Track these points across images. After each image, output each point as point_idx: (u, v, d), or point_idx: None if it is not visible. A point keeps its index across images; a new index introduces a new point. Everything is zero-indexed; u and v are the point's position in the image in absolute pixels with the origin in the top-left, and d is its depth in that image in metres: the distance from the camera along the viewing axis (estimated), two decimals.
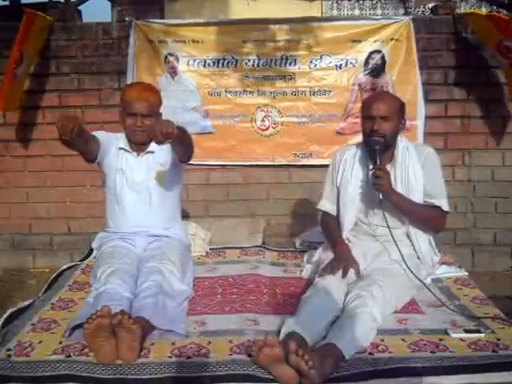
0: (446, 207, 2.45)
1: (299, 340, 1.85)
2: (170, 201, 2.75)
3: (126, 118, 2.61)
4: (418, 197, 2.43)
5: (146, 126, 2.56)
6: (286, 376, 1.70)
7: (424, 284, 2.36)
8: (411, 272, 2.29)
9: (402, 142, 2.49)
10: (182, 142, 2.47)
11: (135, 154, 2.70)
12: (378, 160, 2.34)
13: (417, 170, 2.44)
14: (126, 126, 2.63)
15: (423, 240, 2.48)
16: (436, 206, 2.44)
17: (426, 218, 2.45)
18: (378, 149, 2.35)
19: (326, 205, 2.63)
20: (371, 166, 2.37)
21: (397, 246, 2.32)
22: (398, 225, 2.44)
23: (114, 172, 2.68)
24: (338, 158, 2.61)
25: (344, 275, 2.24)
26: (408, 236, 2.46)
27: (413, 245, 2.45)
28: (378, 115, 2.36)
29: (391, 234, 2.34)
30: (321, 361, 1.72)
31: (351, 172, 2.53)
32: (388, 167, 2.45)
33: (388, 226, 2.36)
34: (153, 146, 2.69)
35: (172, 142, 2.34)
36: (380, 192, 2.33)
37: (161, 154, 2.68)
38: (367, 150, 2.43)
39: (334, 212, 2.59)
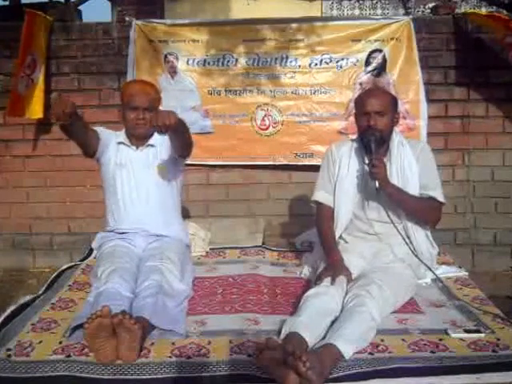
0: (441, 198, 2.46)
1: (299, 340, 1.85)
2: (169, 199, 2.75)
3: (128, 112, 2.63)
4: (413, 190, 2.45)
5: (147, 120, 2.58)
6: (285, 378, 1.69)
7: (430, 269, 2.41)
8: (415, 256, 2.33)
9: (396, 136, 2.51)
10: (180, 134, 2.47)
11: (134, 147, 2.71)
12: (373, 149, 2.35)
13: (412, 164, 2.47)
14: (128, 120, 2.64)
15: (420, 234, 2.49)
16: (431, 198, 2.46)
17: (422, 208, 2.46)
18: (373, 138, 2.36)
19: (322, 195, 2.58)
20: (367, 161, 2.38)
21: (399, 232, 2.38)
22: (395, 220, 2.44)
23: (113, 167, 2.70)
24: (334, 152, 2.59)
25: (332, 283, 2.19)
26: (405, 231, 2.46)
27: (410, 240, 2.44)
28: (372, 111, 2.37)
29: (391, 220, 2.37)
30: (320, 361, 1.72)
31: (348, 167, 2.53)
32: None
33: (388, 215, 2.38)
34: (153, 139, 2.70)
35: (171, 132, 2.34)
36: (376, 180, 2.33)
37: (161, 148, 2.69)
38: (363, 144, 2.44)
39: (331, 203, 2.55)
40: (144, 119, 2.61)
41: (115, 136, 2.73)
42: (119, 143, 2.71)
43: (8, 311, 2.24)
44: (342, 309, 2.08)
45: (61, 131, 2.46)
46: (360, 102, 2.45)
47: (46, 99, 3.77)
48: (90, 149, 2.64)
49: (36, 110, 3.69)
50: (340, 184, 2.54)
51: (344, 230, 2.55)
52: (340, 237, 2.55)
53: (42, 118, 3.74)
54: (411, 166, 2.46)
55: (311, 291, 2.16)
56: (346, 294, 2.14)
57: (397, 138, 2.50)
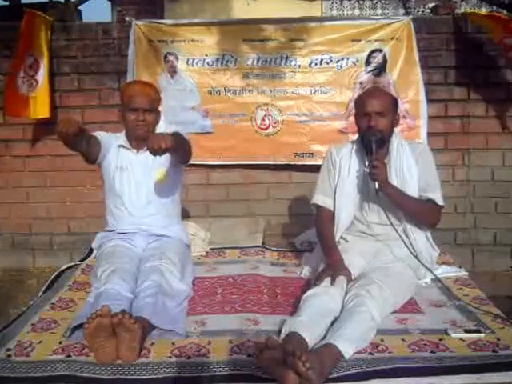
0: (440, 201, 2.46)
1: (299, 340, 1.84)
2: (170, 200, 2.75)
3: (128, 114, 2.63)
4: (412, 192, 2.45)
5: (147, 121, 2.62)
6: (285, 378, 1.69)
7: (430, 271, 2.41)
8: (415, 257, 2.33)
9: (396, 138, 2.50)
10: (179, 149, 2.49)
11: (135, 151, 2.71)
12: (374, 150, 2.35)
13: (411, 166, 2.46)
14: (128, 122, 2.64)
15: (420, 236, 2.48)
16: (431, 200, 2.46)
17: (421, 210, 2.46)
18: (374, 139, 2.36)
19: (321, 199, 2.57)
20: (367, 162, 2.37)
21: (399, 234, 2.37)
22: (394, 222, 2.44)
23: (113, 170, 2.69)
24: (334, 154, 2.59)
25: (332, 283, 2.20)
26: (405, 233, 2.46)
27: (410, 242, 2.44)
28: (373, 111, 2.37)
29: (391, 223, 2.37)
30: (320, 361, 1.72)
31: (348, 169, 2.53)
32: None
33: (387, 217, 2.38)
34: None
35: (169, 153, 2.37)
36: (376, 181, 2.33)
37: None
38: (363, 145, 2.43)
39: (330, 206, 2.55)
40: (144, 120, 2.61)
41: (115, 139, 2.73)
42: (119, 146, 2.70)
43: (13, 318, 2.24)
44: (342, 309, 2.08)
45: None
46: (360, 102, 2.45)
47: (51, 99, 3.78)
48: (91, 157, 2.64)
49: (42, 110, 3.69)
50: (341, 186, 2.53)
51: (345, 231, 2.55)
52: (340, 237, 2.55)
53: (42, 118, 3.74)
54: (410, 168, 2.46)
55: (311, 291, 2.16)
56: (346, 293, 2.14)
57: (396, 140, 2.50)
